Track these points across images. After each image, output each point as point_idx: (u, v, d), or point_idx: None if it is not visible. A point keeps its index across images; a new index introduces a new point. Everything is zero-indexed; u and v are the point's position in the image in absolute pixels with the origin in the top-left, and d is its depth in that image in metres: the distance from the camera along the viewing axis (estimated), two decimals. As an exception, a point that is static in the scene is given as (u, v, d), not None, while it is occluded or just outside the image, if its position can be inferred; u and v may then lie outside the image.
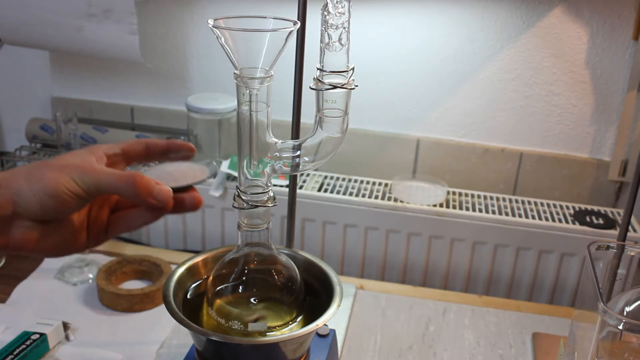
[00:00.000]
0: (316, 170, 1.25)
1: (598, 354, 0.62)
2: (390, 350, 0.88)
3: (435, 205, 1.13)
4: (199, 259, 0.69)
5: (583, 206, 1.17)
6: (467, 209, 1.14)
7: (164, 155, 0.59)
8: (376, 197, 1.16)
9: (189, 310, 0.64)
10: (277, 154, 0.60)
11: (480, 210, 1.14)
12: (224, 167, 1.18)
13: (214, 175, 0.58)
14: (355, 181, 1.22)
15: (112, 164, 0.56)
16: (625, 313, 0.61)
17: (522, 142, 1.23)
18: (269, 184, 0.60)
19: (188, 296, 0.66)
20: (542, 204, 1.17)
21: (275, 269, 0.63)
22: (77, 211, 0.53)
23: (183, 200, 0.56)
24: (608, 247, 0.69)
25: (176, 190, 0.54)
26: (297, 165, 0.60)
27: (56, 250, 0.53)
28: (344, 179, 1.22)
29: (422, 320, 0.94)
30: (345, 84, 0.58)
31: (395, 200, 1.15)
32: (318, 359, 0.70)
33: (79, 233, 0.54)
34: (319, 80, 0.58)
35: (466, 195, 1.19)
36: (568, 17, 1.13)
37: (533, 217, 1.12)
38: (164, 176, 0.56)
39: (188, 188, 0.57)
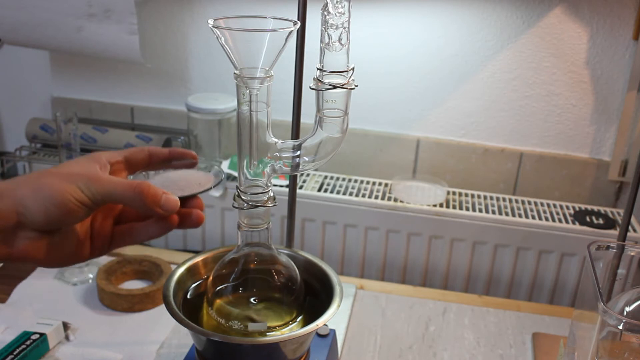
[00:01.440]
0: (316, 170, 1.25)
1: (598, 354, 0.62)
2: (390, 350, 0.88)
3: (435, 205, 1.13)
4: (199, 259, 0.69)
5: (583, 206, 1.17)
6: (467, 209, 1.14)
7: (166, 163, 0.59)
8: (376, 197, 1.16)
9: (189, 310, 0.64)
10: (277, 154, 0.60)
11: (480, 210, 1.14)
12: (224, 167, 1.18)
13: (220, 182, 0.58)
14: (355, 181, 1.22)
15: (115, 172, 0.56)
16: (625, 313, 0.61)
17: (522, 142, 1.23)
18: (269, 184, 0.60)
19: (188, 296, 0.66)
20: (542, 204, 1.17)
21: (275, 269, 0.63)
22: (82, 221, 0.52)
23: (189, 215, 0.56)
24: (608, 247, 0.69)
25: (182, 199, 0.53)
26: (297, 165, 0.60)
27: (60, 260, 0.52)
28: (344, 179, 1.22)
29: (422, 320, 0.94)
30: (345, 84, 0.58)
31: (395, 200, 1.15)
32: (318, 359, 0.70)
33: (82, 243, 0.53)
34: (319, 80, 0.58)
35: (466, 195, 1.19)
36: (568, 17, 1.13)
37: (533, 217, 1.12)
38: (169, 185, 0.56)
39: (194, 196, 0.56)
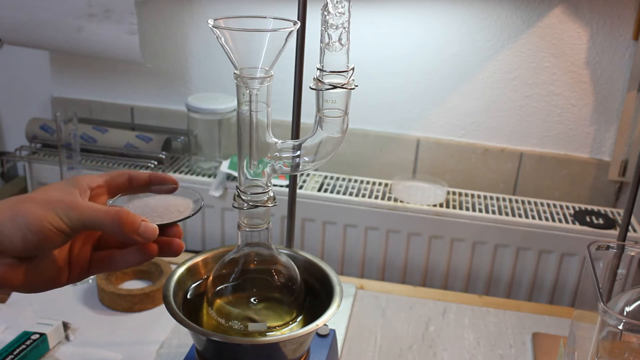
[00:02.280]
0: (316, 170, 1.25)
1: (598, 354, 0.62)
2: (390, 350, 0.88)
3: (435, 205, 1.13)
4: (199, 259, 0.69)
5: (583, 206, 1.17)
6: (467, 209, 1.14)
7: (146, 187, 0.59)
8: (376, 197, 1.16)
9: (189, 310, 0.64)
10: (277, 154, 0.60)
11: (480, 210, 1.14)
12: (224, 167, 1.18)
13: (199, 209, 0.57)
14: (355, 181, 1.22)
15: (95, 196, 0.56)
16: (625, 313, 0.61)
17: (522, 142, 1.23)
18: (269, 184, 0.60)
19: (188, 296, 0.66)
20: (542, 204, 1.17)
21: (275, 269, 0.63)
22: (60, 247, 0.52)
23: (169, 244, 0.55)
24: (608, 247, 0.69)
25: (161, 227, 0.53)
26: (297, 165, 0.60)
27: (37, 286, 0.52)
28: (344, 179, 1.22)
29: (422, 320, 0.94)
30: (345, 84, 0.58)
31: (395, 200, 1.15)
32: (318, 359, 0.70)
33: (60, 269, 0.53)
34: (319, 80, 0.58)
35: (466, 195, 1.19)
36: (568, 17, 1.13)
37: (533, 217, 1.12)
38: (147, 212, 0.55)
39: (173, 224, 0.56)
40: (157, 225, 0.52)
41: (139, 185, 0.59)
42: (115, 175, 0.58)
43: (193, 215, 0.56)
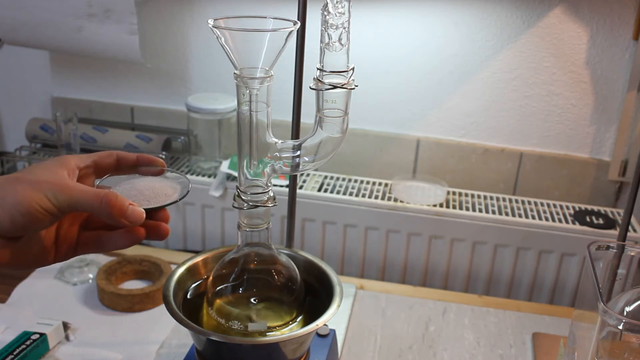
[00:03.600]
0: (316, 170, 1.25)
1: (598, 354, 0.62)
2: (390, 350, 0.88)
3: (435, 205, 1.13)
4: (199, 259, 0.69)
5: (583, 206, 1.17)
6: (467, 209, 1.14)
7: (134, 168, 0.59)
8: (376, 197, 1.16)
9: (189, 310, 0.64)
10: (277, 154, 0.60)
11: (480, 210, 1.14)
12: (224, 167, 1.18)
13: (186, 194, 0.57)
14: (355, 181, 1.22)
15: (83, 177, 0.56)
16: (625, 313, 0.61)
17: (522, 142, 1.23)
18: (269, 184, 0.60)
19: (188, 296, 0.66)
20: (542, 204, 1.17)
21: (275, 269, 0.63)
22: (48, 227, 0.52)
23: (156, 228, 0.56)
24: (608, 247, 0.69)
25: (148, 210, 0.53)
26: (297, 165, 0.60)
27: (24, 264, 0.52)
28: (344, 179, 1.22)
29: (422, 320, 0.94)
30: (345, 84, 0.58)
31: (395, 200, 1.15)
32: (318, 359, 0.70)
33: (47, 248, 0.53)
34: (319, 80, 0.58)
35: (466, 195, 1.19)
36: (568, 17, 1.13)
37: (533, 217, 1.12)
38: (135, 194, 0.55)
39: (160, 208, 0.56)
40: (145, 209, 0.53)
41: (126, 166, 0.59)
42: (103, 156, 0.58)
43: (180, 200, 0.56)
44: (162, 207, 0.56)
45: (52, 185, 0.50)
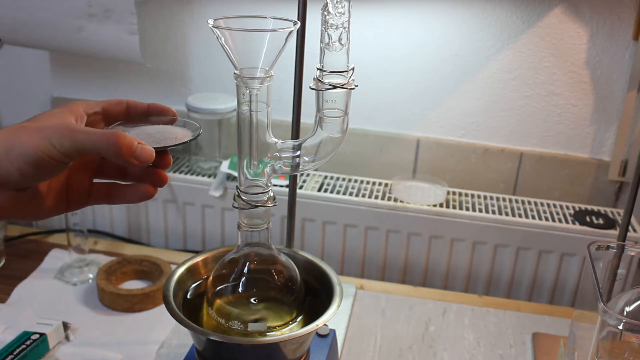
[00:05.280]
0: (316, 170, 1.24)
1: (598, 354, 0.62)
2: (390, 350, 0.88)
3: (435, 205, 1.13)
4: (199, 259, 0.69)
5: (583, 206, 1.17)
6: (467, 209, 1.14)
7: (144, 117, 0.57)
8: (376, 197, 1.16)
9: (189, 310, 0.64)
10: (277, 154, 0.60)
11: (480, 210, 1.14)
12: (224, 167, 1.18)
13: (198, 135, 0.56)
14: (355, 181, 1.22)
15: (91, 123, 0.55)
16: (625, 313, 0.62)
17: (522, 142, 1.23)
18: (269, 184, 0.60)
19: (188, 296, 0.66)
20: (542, 204, 1.17)
21: (275, 269, 0.63)
22: (58, 175, 0.51)
23: (157, 174, 0.55)
24: (608, 247, 0.69)
25: (157, 150, 0.51)
26: (297, 165, 0.60)
27: (37, 215, 0.52)
28: (344, 179, 1.22)
29: (422, 320, 0.94)
30: (345, 84, 0.58)
31: (395, 200, 1.15)
32: (318, 359, 0.70)
33: (59, 198, 0.53)
34: (319, 80, 0.58)
35: (466, 195, 1.19)
36: (568, 17, 1.13)
37: (533, 217, 1.12)
38: (145, 137, 0.53)
39: (169, 147, 0.54)
40: (155, 148, 0.51)
41: (137, 115, 0.57)
42: (113, 103, 0.56)
43: (190, 141, 0.54)
44: (173, 147, 0.54)
45: (57, 131, 0.48)
